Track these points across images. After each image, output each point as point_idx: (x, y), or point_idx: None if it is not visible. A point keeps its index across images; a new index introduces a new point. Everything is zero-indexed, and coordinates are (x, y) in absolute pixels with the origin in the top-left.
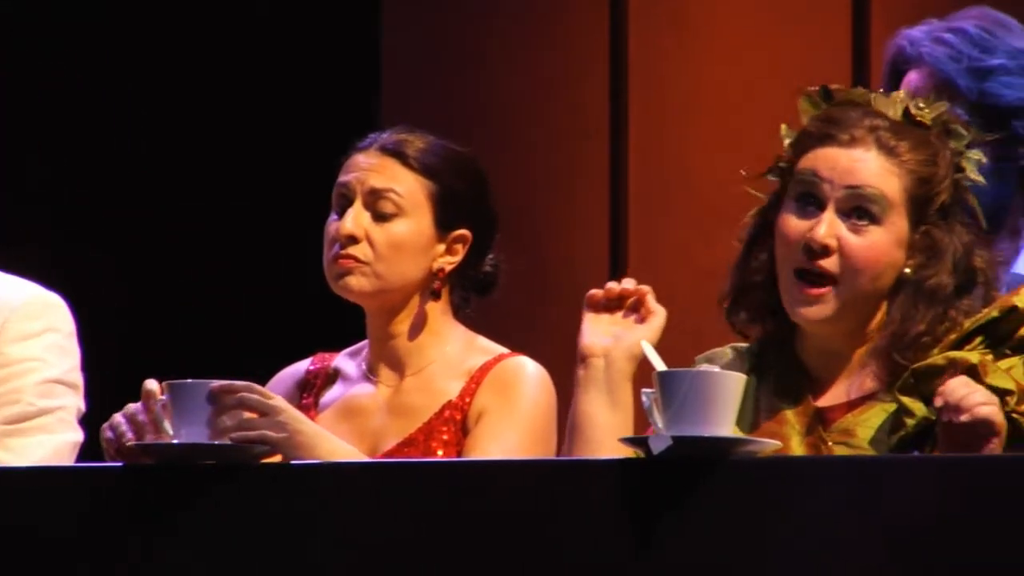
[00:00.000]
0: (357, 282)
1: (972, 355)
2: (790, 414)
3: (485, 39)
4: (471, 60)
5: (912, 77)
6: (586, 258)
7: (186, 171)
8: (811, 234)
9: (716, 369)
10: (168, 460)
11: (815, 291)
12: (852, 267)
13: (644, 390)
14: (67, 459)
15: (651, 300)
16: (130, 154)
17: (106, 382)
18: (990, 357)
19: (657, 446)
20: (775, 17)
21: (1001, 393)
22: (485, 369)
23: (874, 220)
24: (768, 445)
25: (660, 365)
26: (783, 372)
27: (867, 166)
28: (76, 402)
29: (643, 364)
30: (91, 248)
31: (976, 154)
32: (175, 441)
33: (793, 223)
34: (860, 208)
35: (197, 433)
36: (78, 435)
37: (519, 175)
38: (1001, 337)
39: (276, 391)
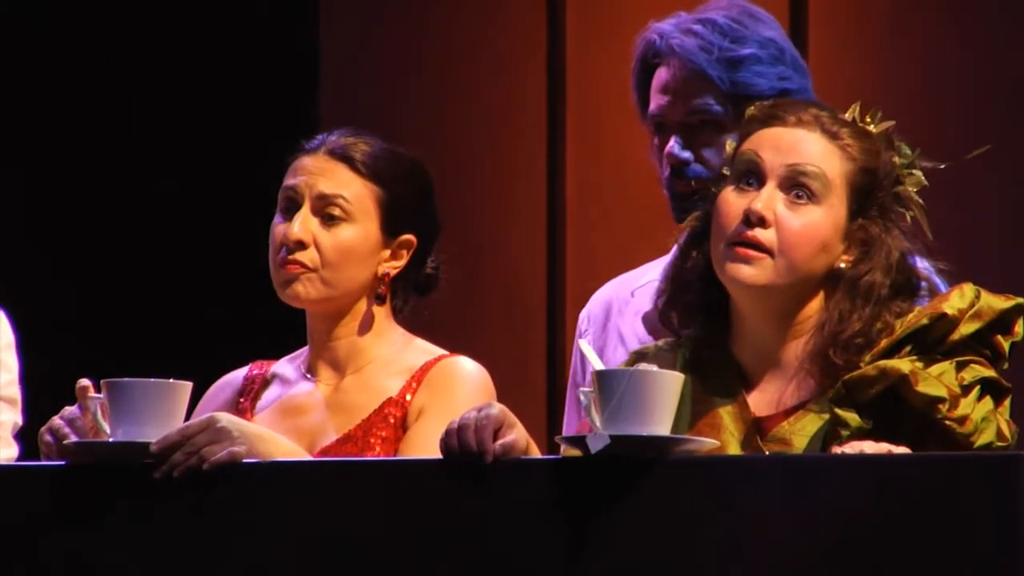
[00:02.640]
0: (304, 289)
1: (903, 364)
2: (726, 417)
3: (422, 38)
4: (408, 60)
5: (663, 72)
6: (523, 258)
7: (129, 173)
8: (750, 206)
9: (654, 368)
10: (105, 458)
11: (752, 253)
12: (787, 242)
13: (582, 388)
14: None
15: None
16: (73, 157)
17: (44, 394)
18: (920, 365)
19: (595, 445)
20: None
21: (932, 401)
22: (426, 368)
23: (813, 198)
24: (706, 444)
25: (598, 364)
26: (718, 371)
27: (809, 145)
28: (13, 417)
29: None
30: (30, 255)
31: (918, 175)
32: (112, 439)
33: (732, 198)
34: (800, 184)
35: (134, 432)
36: (12, 451)
37: (456, 175)
38: (931, 343)
39: (215, 397)
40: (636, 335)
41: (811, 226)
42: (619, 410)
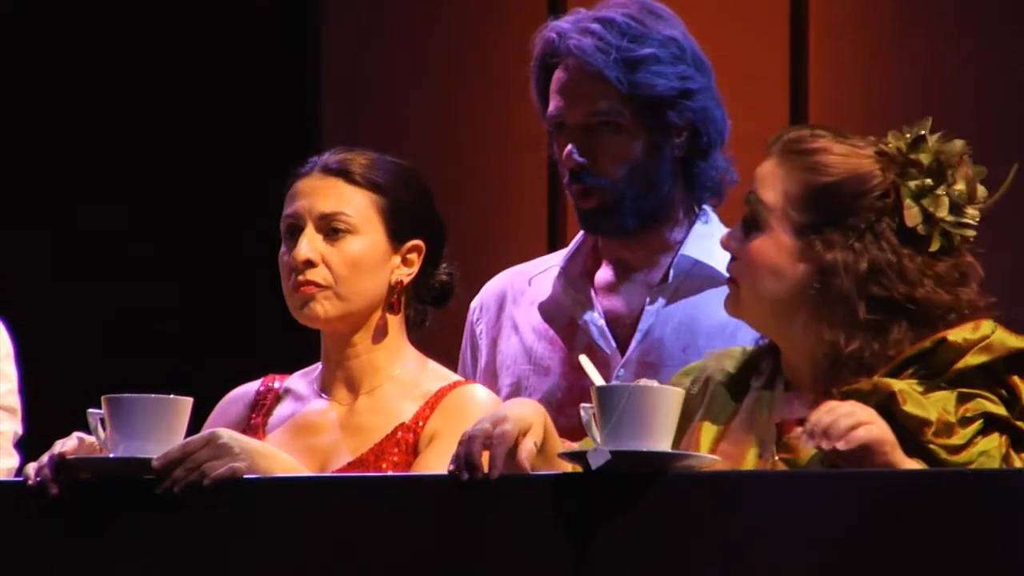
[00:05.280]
0: (322, 308)
1: (897, 382)
2: (762, 416)
3: (422, 43)
4: (408, 66)
5: (561, 72)
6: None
7: (127, 181)
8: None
9: (654, 384)
10: (106, 474)
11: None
12: (743, 273)
13: (583, 405)
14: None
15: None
16: (72, 163)
17: (44, 403)
18: (919, 388)
19: (596, 461)
20: (714, 17)
21: (919, 422)
22: (440, 395)
23: (757, 228)
24: (706, 460)
25: (598, 379)
26: (768, 379)
27: (763, 173)
28: (13, 426)
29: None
30: (27, 264)
31: (944, 195)
32: (112, 455)
33: None
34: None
35: (135, 447)
36: (13, 460)
37: (457, 181)
38: (936, 370)
39: (226, 411)
40: (531, 324)
41: (758, 253)
42: (620, 426)
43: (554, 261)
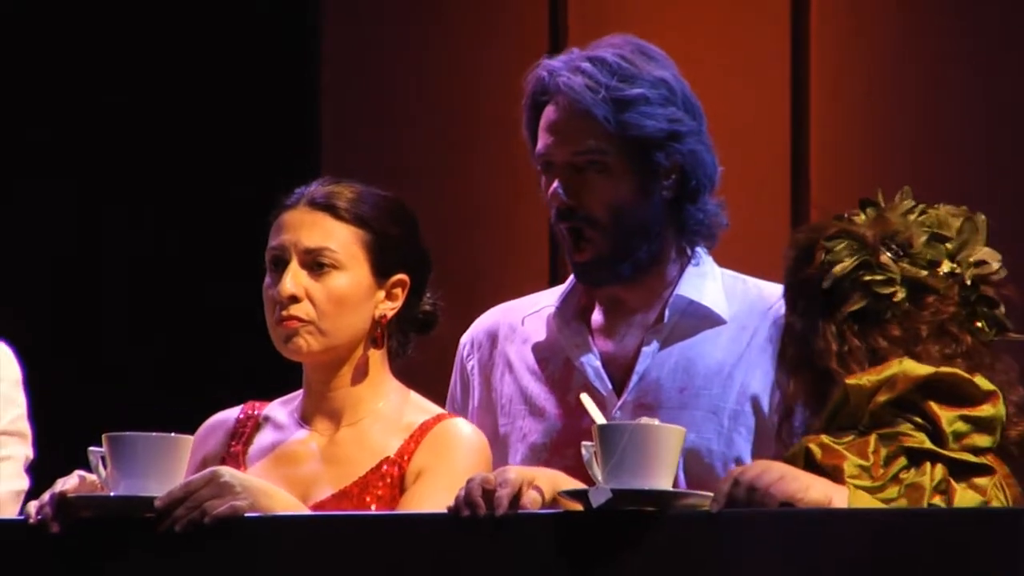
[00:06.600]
0: (305, 343)
1: (812, 439)
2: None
3: (423, 47)
4: (409, 71)
5: (550, 110)
6: (525, 271)
7: (125, 195)
8: None
9: (655, 422)
10: (107, 513)
11: None
12: None
13: (584, 443)
14: (10, 508)
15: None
16: (71, 194)
17: (52, 429)
18: (849, 437)
19: (597, 499)
20: (716, 10)
21: (832, 469)
22: (425, 428)
23: None
24: (707, 498)
25: (599, 418)
26: None
27: None
28: (23, 451)
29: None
30: (33, 290)
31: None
32: (113, 494)
33: None
34: None
35: (136, 485)
36: (24, 483)
37: (458, 187)
38: (855, 417)
39: (206, 439)
40: (524, 362)
41: None
42: (621, 464)
43: (547, 300)
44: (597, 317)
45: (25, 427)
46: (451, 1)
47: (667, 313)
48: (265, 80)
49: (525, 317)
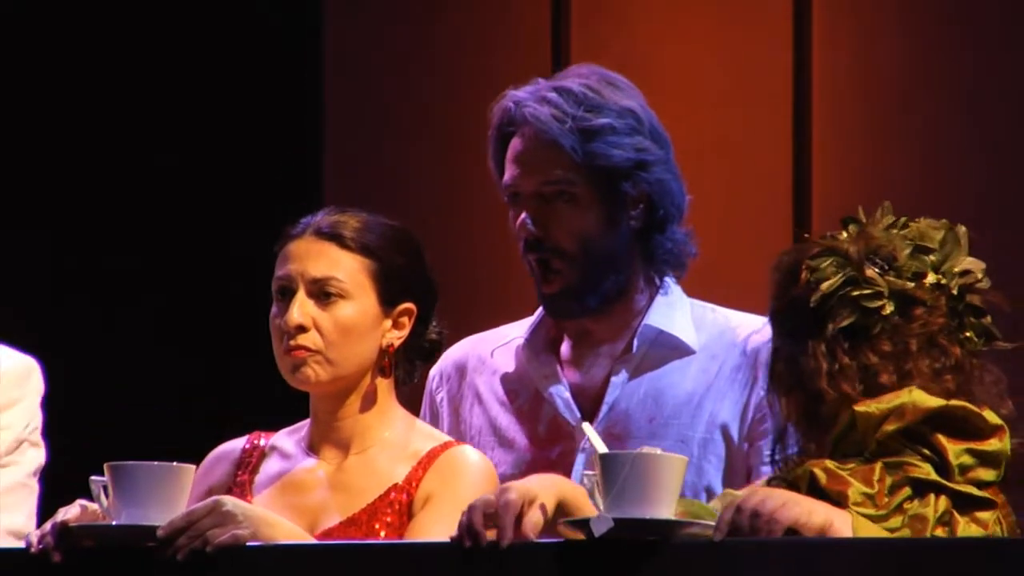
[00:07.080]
0: (313, 372)
1: (817, 463)
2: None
3: (424, 50)
4: (411, 75)
5: (517, 141)
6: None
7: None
8: None
9: (657, 451)
10: (109, 542)
11: None
12: None
13: (585, 472)
14: (22, 509)
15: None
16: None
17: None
18: (853, 464)
19: (599, 528)
20: (717, 12)
21: (837, 495)
22: (432, 455)
23: None
24: (710, 527)
25: (601, 447)
26: None
27: None
28: (37, 457)
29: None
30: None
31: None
32: (115, 523)
33: None
34: None
35: (138, 515)
36: (34, 487)
37: (459, 193)
38: (861, 444)
39: (211, 470)
40: (494, 393)
41: None
42: (623, 493)
43: (516, 332)
44: (566, 348)
45: (40, 439)
46: (453, 8)
47: (636, 343)
48: (267, 97)
49: (494, 349)
